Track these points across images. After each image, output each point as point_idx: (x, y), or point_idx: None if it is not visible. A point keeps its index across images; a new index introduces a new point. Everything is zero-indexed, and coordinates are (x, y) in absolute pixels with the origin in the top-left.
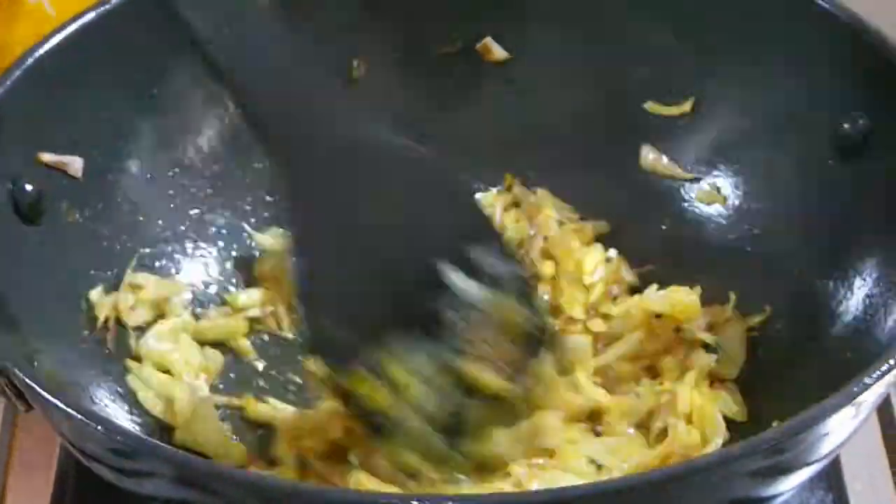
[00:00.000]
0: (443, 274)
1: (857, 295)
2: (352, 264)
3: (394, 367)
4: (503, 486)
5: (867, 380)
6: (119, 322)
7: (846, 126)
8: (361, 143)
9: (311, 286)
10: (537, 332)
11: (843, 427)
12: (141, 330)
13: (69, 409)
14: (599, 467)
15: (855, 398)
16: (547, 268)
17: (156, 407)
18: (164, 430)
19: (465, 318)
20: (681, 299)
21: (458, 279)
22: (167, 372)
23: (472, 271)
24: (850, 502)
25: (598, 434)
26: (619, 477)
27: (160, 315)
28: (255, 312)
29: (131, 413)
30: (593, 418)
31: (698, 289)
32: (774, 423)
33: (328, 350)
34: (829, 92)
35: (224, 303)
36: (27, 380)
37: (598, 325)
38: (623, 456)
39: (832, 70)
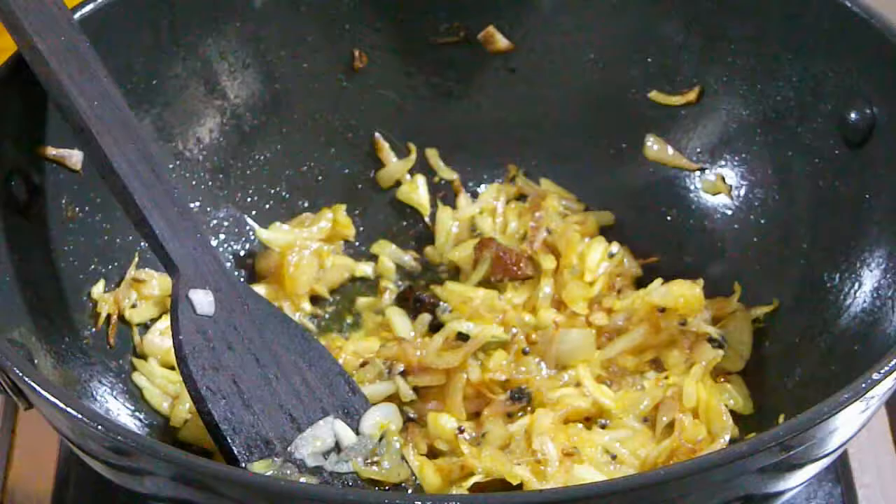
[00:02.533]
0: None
1: (864, 287)
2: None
3: None
4: (523, 472)
5: (876, 375)
6: (121, 318)
7: (852, 115)
8: None
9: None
10: None
11: (852, 422)
12: (145, 326)
13: (68, 409)
14: (614, 457)
15: (864, 394)
16: (549, 262)
17: (162, 404)
18: (168, 426)
19: None
20: (684, 293)
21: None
22: (172, 368)
23: None
24: (858, 495)
25: (603, 427)
26: (629, 476)
27: (164, 311)
28: None
29: (134, 409)
30: (598, 413)
31: (701, 282)
32: (781, 417)
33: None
34: (834, 81)
35: None
36: (27, 378)
37: (600, 319)
38: (632, 448)
39: (837, 59)
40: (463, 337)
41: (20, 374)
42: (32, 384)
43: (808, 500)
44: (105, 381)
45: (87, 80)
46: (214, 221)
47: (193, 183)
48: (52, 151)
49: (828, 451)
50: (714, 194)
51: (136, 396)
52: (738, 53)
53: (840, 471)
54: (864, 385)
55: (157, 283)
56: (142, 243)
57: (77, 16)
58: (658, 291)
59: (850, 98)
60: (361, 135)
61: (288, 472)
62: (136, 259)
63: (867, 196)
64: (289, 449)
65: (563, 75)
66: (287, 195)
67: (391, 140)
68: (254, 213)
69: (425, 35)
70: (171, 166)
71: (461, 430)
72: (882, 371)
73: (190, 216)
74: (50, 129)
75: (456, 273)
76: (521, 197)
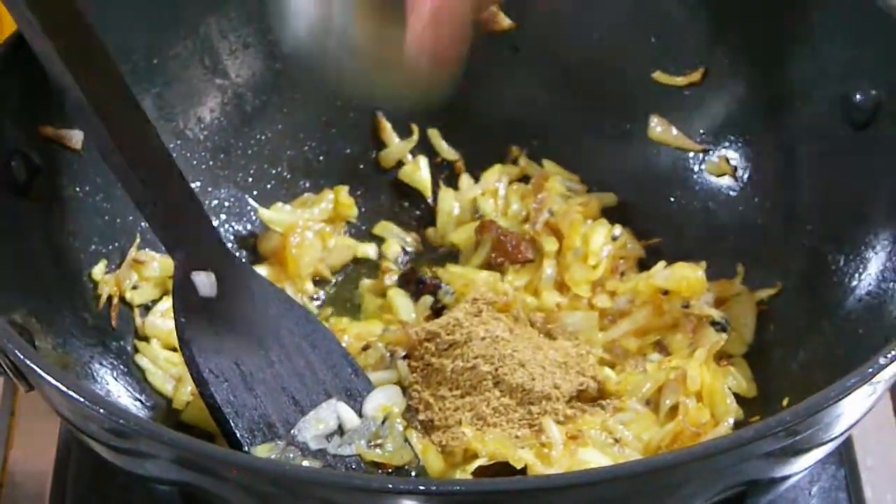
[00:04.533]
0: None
1: (869, 269)
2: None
3: None
4: (527, 456)
5: (883, 359)
6: (122, 299)
7: (857, 96)
8: None
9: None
10: None
11: (859, 406)
12: (146, 308)
13: (70, 392)
14: (617, 440)
15: (871, 378)
16: (551, 244)
17: (165, 386)
18: (171, 408)
19: None
20: (686, 275)
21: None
22: (174, 350)
23: None
24: (861, 478)
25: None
26: (636, 461)
27: (165, 292)
28: None
29: (135, 391)
30: (600, 395)
31: (703, 264)
32: (785, 400)
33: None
34: (839, 62)
35: None
36: (28, 361)
37: (603, 301)
38: (636, 431)
39: (842, 40)
40: None
41: (21, 357)
42: (33, 366)
43: (811, 483)
44: (106, 363)
45: (88, 58)
46: (215, 201)
47: (194, 163)
48: (52, 131)
49: (833, 435)
50: (718, 176)
51: (137, 378)
52: (743, 34)
53: (844, 454)
54: (871, 369)
55: (158, 264)
56: (143, 223)
57: None
58: (661, 274)
59: (855, 80)
60: (363, 115)
61: (291, 455)
62: (138, 240)
63: (872, 178)
64: (292, 432)
65: (567, 55)
66: (288, 175)
67: (393, 120)
68: (255, 193)
69: None
70: (171, 146)
71: None
72: (889, 355)
73: (191, 197)
74: (50, 109)
75: (457, 255)
76: (523, 178)
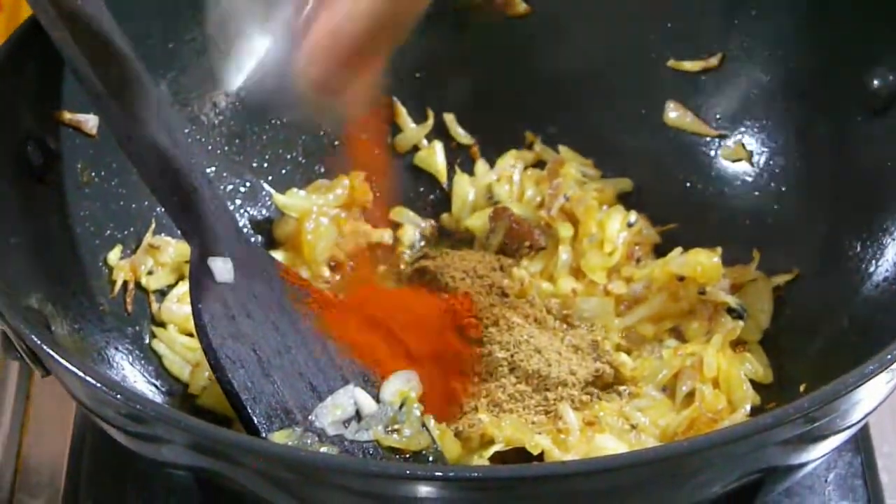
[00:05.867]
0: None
1: (886, 255)
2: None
3: None
4: (544, 442)
5: None
6: (138, 285)
7: (874, 82)
8: None
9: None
10: None
11: (877, 393)
12: (161, 293)
13: (87, 377)
14: (634, 426)
15: (890, 364)
16: (566, 230)
17: (183, 371)
18: (187, 393)
19: None
20: (701, 261)
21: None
22: (191, 335)
23: None
24: (877, 465)
25: (619, 395)
26: (652, 447)
27: (180, 277)
28: None
29: (151, 376)
30: (616, 381)
31: (719, 250)
32: (802, 387)
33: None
34: (856, 47)
35: None
36: (44, 346)
37: (619, 288)
38: (653, 417)
39: (860, 25)
40: None
41: (38, 342)
42: (50, 352)
43: (827, 471)
44: (122, 348)
45: (103, 44)
46: (231, 187)
47: (210, 148)
48: (67, 116)
49: (851, 422)
50: (734, 161)
51: (153, 363)
52: (760, 18)
53: (860, 440)
54: (889, 356)
55: (174, 249)
56: (158, 209)
57: None
58: (677, 260)
59: (873, 65)
60: (378, 100)
61: (308, 441)
62: (153, 225)
63: (889, 164)
64: (309, 418)
65: (582, 40)
66: (303, 160)
67: (408, 105)
68: (270, 178)
69: None
70: (186, 131)
71: None
72: None
73: (207, 182)
74: (65, 94)
75: (472, 240)
76: (539, 163)
